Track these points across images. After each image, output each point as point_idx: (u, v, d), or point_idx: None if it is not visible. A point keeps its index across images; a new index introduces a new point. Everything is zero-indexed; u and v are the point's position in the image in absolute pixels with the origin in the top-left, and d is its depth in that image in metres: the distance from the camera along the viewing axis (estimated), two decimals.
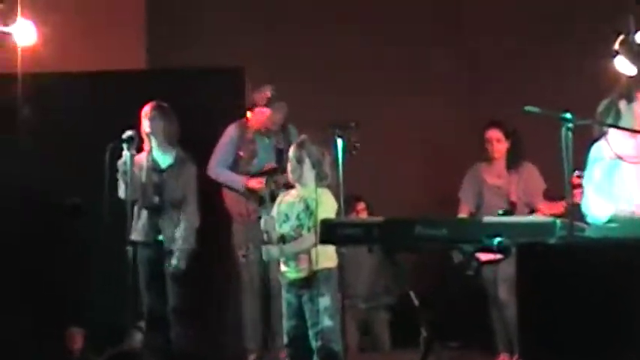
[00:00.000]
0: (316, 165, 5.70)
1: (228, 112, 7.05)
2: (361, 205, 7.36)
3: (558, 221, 4.39)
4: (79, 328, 6.90)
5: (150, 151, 6.46)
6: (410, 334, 7.29)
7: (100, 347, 6.04)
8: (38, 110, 7.17)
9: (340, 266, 5.76)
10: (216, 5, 8.06)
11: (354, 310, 7.32)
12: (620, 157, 5.16)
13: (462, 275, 6.66)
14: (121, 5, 8.08)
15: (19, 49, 6.88)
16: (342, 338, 5.73)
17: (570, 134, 4.66)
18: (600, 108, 5.31)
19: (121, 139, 6.08)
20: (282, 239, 5.67)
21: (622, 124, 5.22)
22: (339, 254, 5.73)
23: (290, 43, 7.90)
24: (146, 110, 6.43)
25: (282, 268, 5.75)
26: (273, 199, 6.25)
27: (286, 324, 5.72)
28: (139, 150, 6.37)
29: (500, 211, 6.70)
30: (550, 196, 6.77)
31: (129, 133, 6.11)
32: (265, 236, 5.66)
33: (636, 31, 6.18)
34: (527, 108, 4.79)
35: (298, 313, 5.67)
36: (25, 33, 6.71)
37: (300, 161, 5.73)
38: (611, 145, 5.18)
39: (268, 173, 6.77)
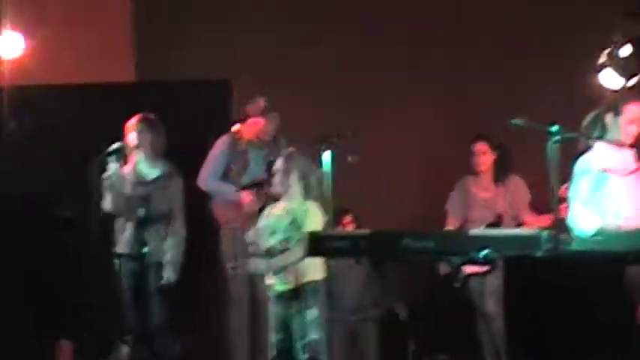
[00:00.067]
0: (303, 178, 5.70)
1: (215, 125, 7.04)
2: (348, 218, 7.34)
3: (544, 234, 4.40)
4: (67, 341, 6.87)
5: (136, 164, 6.45)
6: (398, 347, 7.32)
7: None
8: (25, 123, 7.16)
9: (328, 279, 5.76)
10: (205, 18, 8.06)
11: (341, 323, 7.29)
12: (606, 171, 5.17)
13: (449, 288, 6.70)
14: (109, 18, 8.06)
15: (5, 62, 6.88)
16: (329, 351, 5.72)
17: (556, 147, 4.67)
18: (586, 121, 5.32)
19: (107, 152, 6.08)
20: (270, 252, 5.65)
21: (608, 137, 5.23)
22: (327, 266, 5.72)
23: (279, 55, 7.90)
24: (133, 122, 6.40)
25: (269, 280, 5.73)
26: (261, 210, 6.24)
27: (273, 337, 5.71)
28: (126, 162, 6.35)
29: (487, 224, 6.76)
30: (537, 208, 6.77)
31: (115, 145, 6.10)
32: (252, 248, 5.64)
33: (623, 45, 6.20)
34: (514, 121, 4.80)
35: (285, 327, 5.66)
36: (12, 45, 6.70)
37: (287, 173, 5.73)
38: (597, 158, 5.19)
39: (260, 185, 6.76)
